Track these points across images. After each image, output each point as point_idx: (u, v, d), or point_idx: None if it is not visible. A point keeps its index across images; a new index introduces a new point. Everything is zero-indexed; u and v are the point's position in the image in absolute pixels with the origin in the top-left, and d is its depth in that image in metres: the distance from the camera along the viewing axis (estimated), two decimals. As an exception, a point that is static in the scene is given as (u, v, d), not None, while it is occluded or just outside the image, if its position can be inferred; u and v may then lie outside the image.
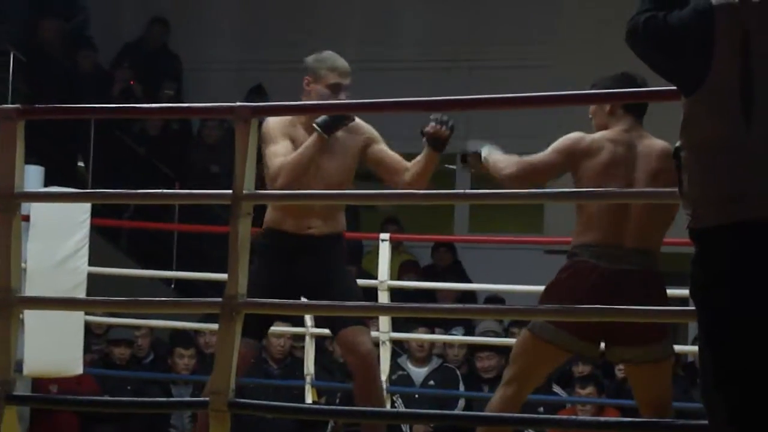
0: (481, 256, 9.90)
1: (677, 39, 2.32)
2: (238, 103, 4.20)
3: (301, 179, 4.65)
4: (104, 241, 8.87)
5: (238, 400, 3.97)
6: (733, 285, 2.23)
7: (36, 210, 5.83)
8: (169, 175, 9.87)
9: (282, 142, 4.71)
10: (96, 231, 7.01)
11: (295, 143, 4.73)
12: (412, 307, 5.26)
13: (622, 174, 4.32)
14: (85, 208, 5.91)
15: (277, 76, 10.97)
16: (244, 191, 3.98)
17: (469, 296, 9.09)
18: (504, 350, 7.86)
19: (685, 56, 2.31)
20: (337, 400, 7.04)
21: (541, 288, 7.22)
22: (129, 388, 7.40)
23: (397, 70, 10.75)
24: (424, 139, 4.70)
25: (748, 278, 2.22)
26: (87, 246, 5.90)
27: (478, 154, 4.52)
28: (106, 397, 6.75)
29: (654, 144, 4.39)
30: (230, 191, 4.03)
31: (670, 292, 4.39)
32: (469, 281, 9.25)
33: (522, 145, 5.11)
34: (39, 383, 6.67)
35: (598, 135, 4.41)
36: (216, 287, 6.68)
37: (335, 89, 4.77)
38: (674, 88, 2.43)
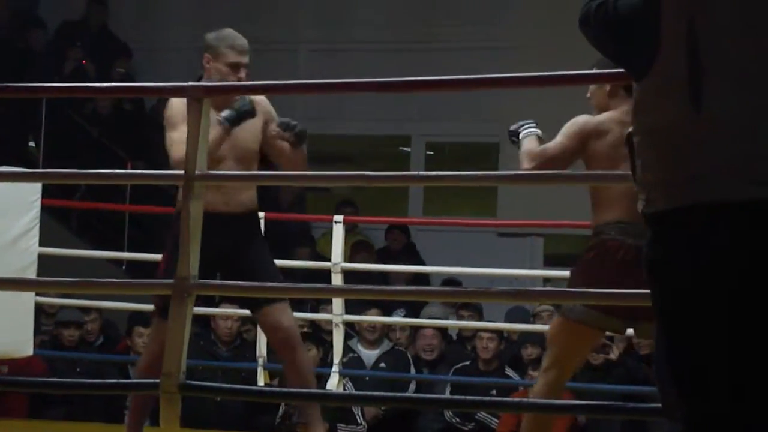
0: (435, 239, 9.91)
1: (626, 24, 2.34)
2: (191, 83, 4.17)
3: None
4: (55, 221, 8.79)
5: (189, 382, 3.95)
6: (686, 267, 2.24)
7: (-15, 190, 5.77)
8: (121, 156, 9.78)
9: (183, 127, 4.52)
10: (47, 211, 6.94)
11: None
12: (365, 289, 5.26)
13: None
14: (36, 188, 5.86)
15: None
16: (197, 172, 3.95)
17: (423, 278, 9.10)
18: (446, 334, 7.91)
19: (634, 41, 2.33)
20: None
21: (494, 270, 7.33)
22: (78, 370, 7.34)
23: (351, 51, 10.72)
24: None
25: (701, 260, 2.23)
26: (37, 226, 5.84)
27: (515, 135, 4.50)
28: (57, 379, 6.69)
29: None
30: (182, 172, 4.00)
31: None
32: (422, 263, 9.26)
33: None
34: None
35: (605, 116, 4.41)
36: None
37: (235, 68, 4.76)
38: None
